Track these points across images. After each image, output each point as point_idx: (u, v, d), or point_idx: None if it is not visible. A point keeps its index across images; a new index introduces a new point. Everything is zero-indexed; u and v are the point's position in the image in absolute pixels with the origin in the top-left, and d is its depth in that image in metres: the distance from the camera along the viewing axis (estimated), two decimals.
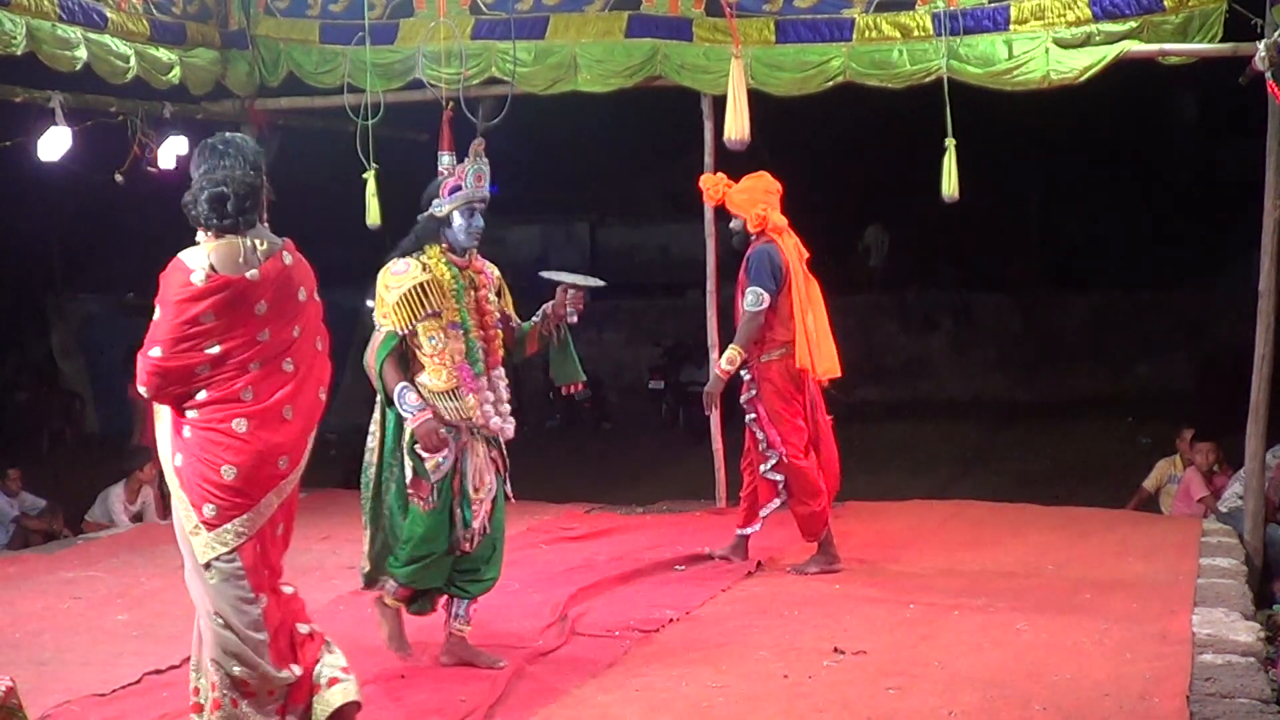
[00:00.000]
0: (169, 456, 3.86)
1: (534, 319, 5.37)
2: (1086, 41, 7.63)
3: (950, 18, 7.81)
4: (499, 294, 5.30)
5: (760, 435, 6.76)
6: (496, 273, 5.34)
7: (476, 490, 5.13)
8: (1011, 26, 7.76)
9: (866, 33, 8.01)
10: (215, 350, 3.76)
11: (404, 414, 5.01)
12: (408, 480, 5.10)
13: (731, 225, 6.97)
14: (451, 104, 8.43)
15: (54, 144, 8.17)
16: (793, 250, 6.78)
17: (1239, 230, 8.94)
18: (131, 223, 16.06)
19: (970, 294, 18.03)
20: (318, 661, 3.98)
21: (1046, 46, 7.67)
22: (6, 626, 5.96)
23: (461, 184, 5.17)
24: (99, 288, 18.32)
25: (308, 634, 3.99)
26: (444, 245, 5.14)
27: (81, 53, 7.66)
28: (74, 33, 7.62)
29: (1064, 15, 7.65)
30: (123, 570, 7.13)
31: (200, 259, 3.81)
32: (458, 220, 5.12)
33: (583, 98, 8.80)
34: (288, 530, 4.02)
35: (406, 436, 5.04)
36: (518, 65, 8.50)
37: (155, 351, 3.77)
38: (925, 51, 7.88)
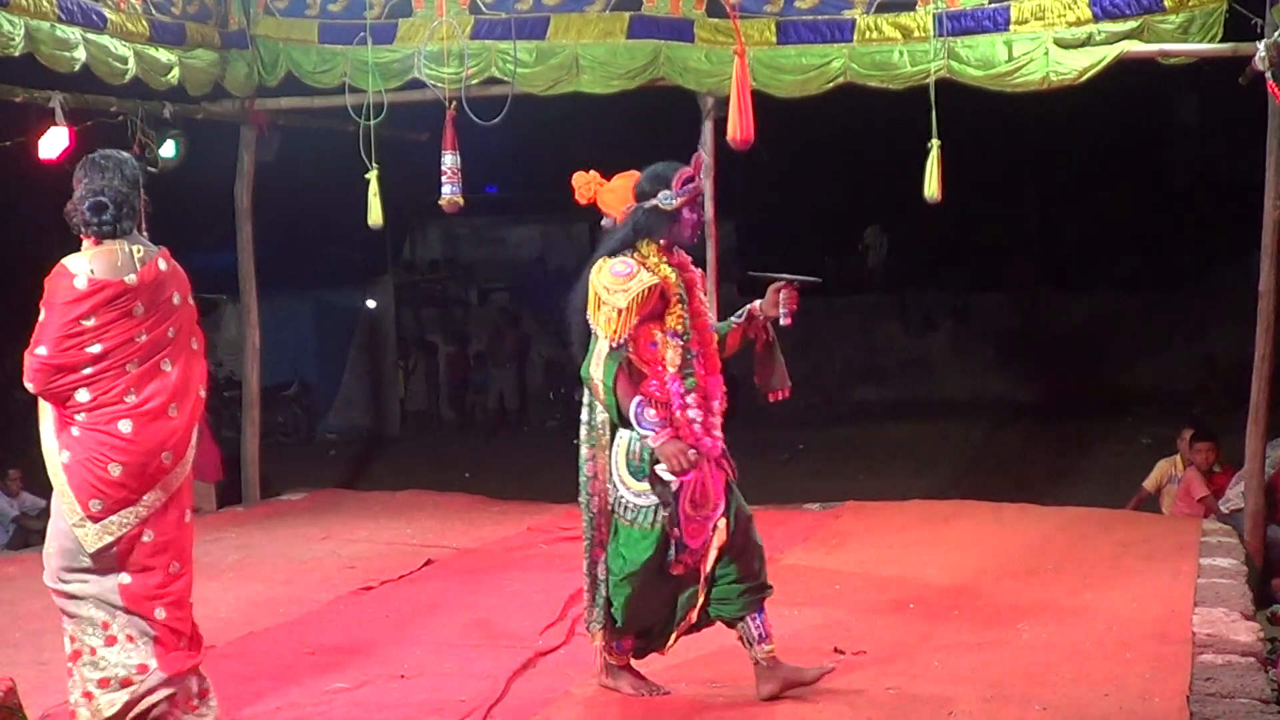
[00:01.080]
0: (54, 453, 4.14)
1: (733, 319, 4.88)
2: (1087, 42, 7.63)
3: (950, 18, 7.82)
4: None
5: None
6: (700, 270, 4.89)
7: (698, 508, 4.59)
8: (1012, 27, 7.76)
9: (867, 33, 8.02)
10: (96, 349, 4.05)
11: (642, 431, 4.47)
12: (623, 504, 4.61)
13: (603, 224, 7.05)
14: (455, 103, 8.42)
15: (54, 144, 8.16)
16: None
17: (1239, 230, 8.94)
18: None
19: (970, 294, 18.03)
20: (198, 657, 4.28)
21: (1046, 48, 7.68)
22: (6, 626, 5.97)
23: (696, 175, 4.71)
24: None
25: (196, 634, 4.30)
26: (661, 242, 4.67)
27: (80, 54, 7.62)
28: (73, 33, 7.58)
29: (1064, 15, 7.65)
30: None
31: (82, 264, 4.10)
32: (686, 215, 4.66)
33: (583, 98, 8.80)
34: (191, 518, 4.30)
35: (624, 459, 4.58)
36: (519, 66, 8.50)
37: (41, 350, 4.06)
38: (926, 53, 7.88)
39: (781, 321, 4.73)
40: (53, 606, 6.27)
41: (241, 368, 10.25)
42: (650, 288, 4.50)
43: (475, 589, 6.57)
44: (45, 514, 9.67)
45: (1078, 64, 7.64)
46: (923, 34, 7.91)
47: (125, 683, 4.09)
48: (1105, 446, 13.57)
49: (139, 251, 4.16)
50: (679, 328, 4.58)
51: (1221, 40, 7.39)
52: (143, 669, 4.11)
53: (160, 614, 4.12)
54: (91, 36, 7.73)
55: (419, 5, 8.79)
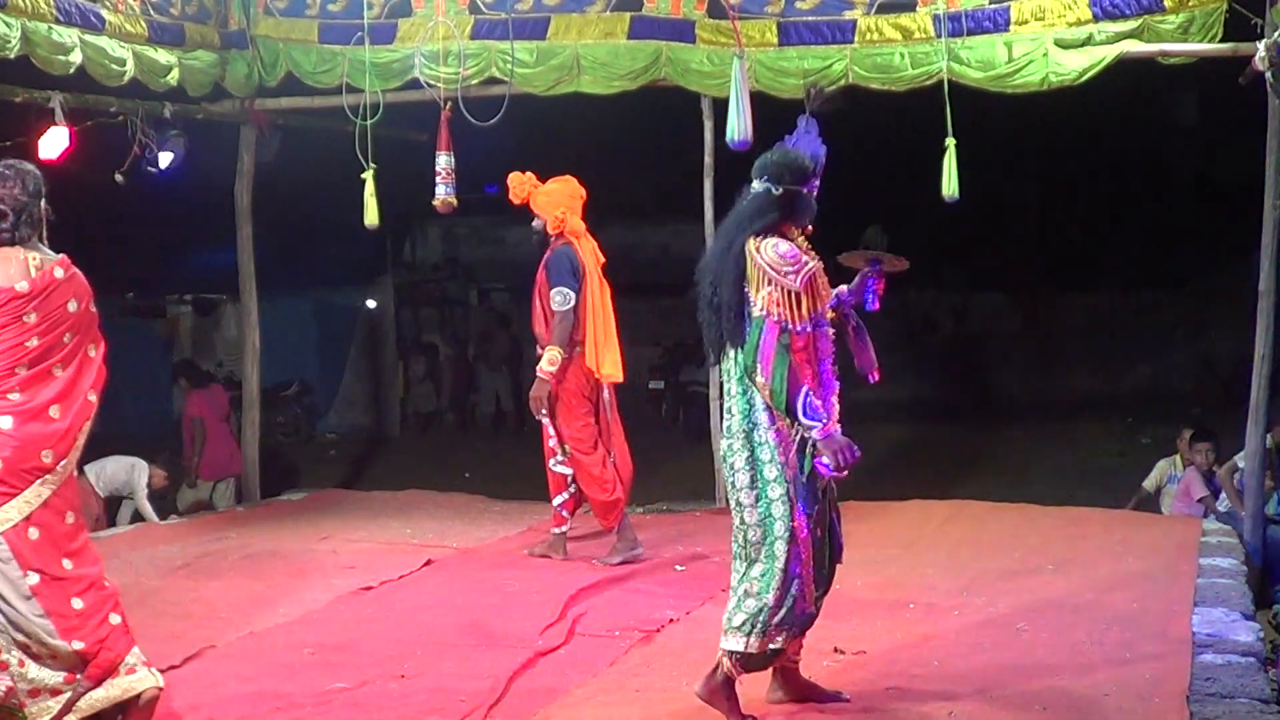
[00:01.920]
0: None
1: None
2: (1087, 42, 7.63)
3: (951, 19, 7.81)
4: None
5: (552, 431, 7.04)
6: None
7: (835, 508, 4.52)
8: (1012, 27, 7.76)
9: (868, 34, 8.01)
10: None
11: (808, 423, 4.26)
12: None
13: (534, 225, 7.20)
14: (450, 104, 8.42)
15: (54, 144, 8.16)
16: (590, 254, 7.11)
17: (1239, 230, 8.94)
18: (131, 223, 16.07)
19: (970, 294, 18.04)
20: (127, 652, 4.20)
21: (1046, 49, 7.67)
22: None
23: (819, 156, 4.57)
24: (98, 288, 18.24)
25: (119, 625, 4.20)
26: (802, 230, 4.50)
27: (75, 57, 7.57)
28: (70, 35, 7.54)
29: (1064, 16, 7.65)
30: (122, 570, 7.11)
31: None
32: (811, 200, 4.53)
33: (583, 98, 8.79)
34: (78, 519, 4.28)
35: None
36: (519, 66, 8.50)
37: None
38: (927, 54, 7.87)
39: (869, 306, 4.61)
40: None
41: (241, 368, 10.26)
42: (819, 272, 4.38)
43: (475, 589, 6.57)
44: None
45: (1078, 65, 7.63)
46: (923, 35, 7.90)
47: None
48: (1105, 446, 13.58)
49: (35, 259, 4.23)
50: (829, 316, 4.47)
51: (1221, 40, 7.39)
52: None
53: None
54: (89, 38, 7.70)
55: (418, 5, 8.78)
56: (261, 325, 9.86)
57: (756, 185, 4.50)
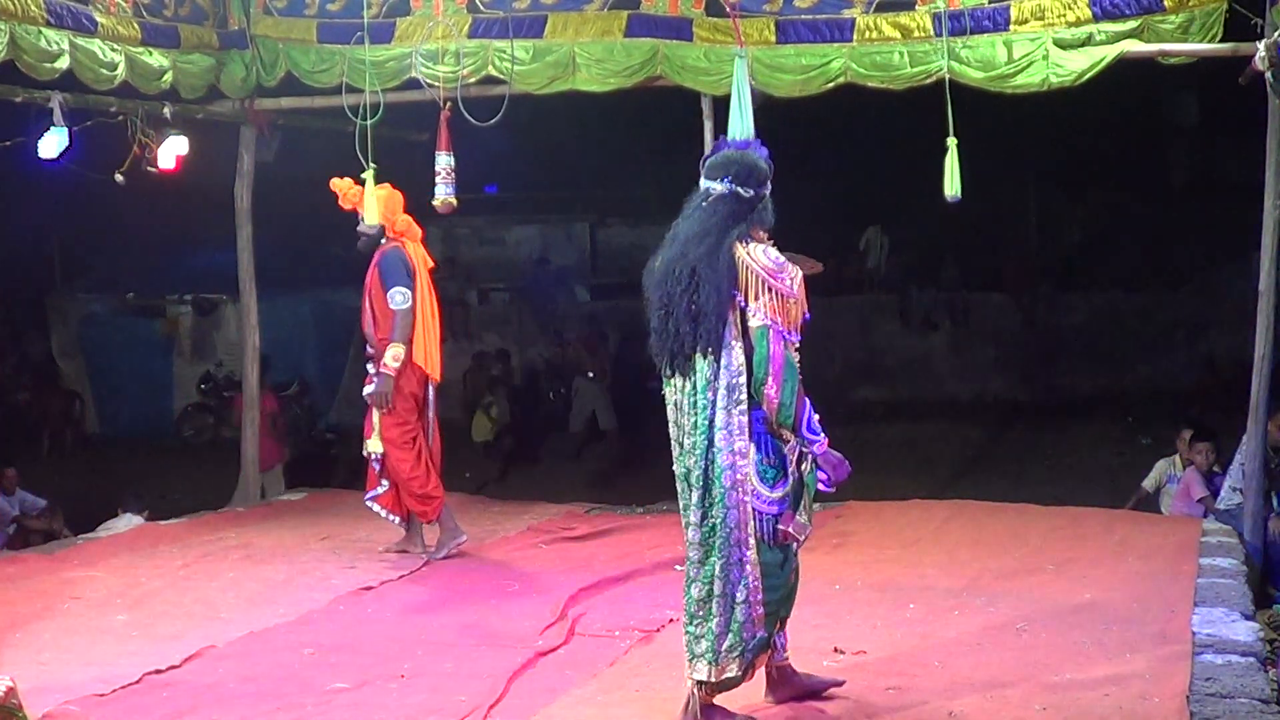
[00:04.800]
0: None
1: None
2: (1087, 42, 7.62)
3: (950, 18, 7.81)
4: None
5: (374, 425, 7.24)
6: None
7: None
8: (1012, 27, 7.75)
9: (867, 33, 8.00)
10: None
11: (810, 437, 4.18)
12: (758, 515, 4.27)
13: (363, 229, 7.37)
14: (449, 104, 8.42)
15: (54, 144, 8.15)
16: (420, 257, 7.34)
17: (1239, 230, 8.94)
18: (131, 223, 16.07)
19: (970, 294, 18.03)
20: None
21: (1046, 49, 7.67)
22: (6, 626, 5.96)
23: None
24: (99, 288, 18.33)
25: None
26: (767, 232, 4.37)
27: (63, 63, 7.49)
28: (60, 38, 7.46)
29: (1064, 15, 7.64)
30: (123, 570, 7.13)
31: None
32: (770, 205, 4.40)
33: (582, 97, 8.79)
34: None
35: (756, 465, 4.24)
36: (516, 64, 8.49)
37: None
38: (926, 53, 7.87)
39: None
40: (53, 607, 6.32)
41: (241, 368, 10.26)
42: (803, 279, 4.25)
43: (475, 589, 6.57)
44: (46, 513, 9.74)
45: (1078, 65, 7.63)
46: (922, 34, 7.90)
47: None
48: (1105, 446, 13.58)
49: None
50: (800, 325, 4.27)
51: (1221, 40, 7.39)
52: None
53: None
54: (80, 41, 7.61)
55: (417, 4, 8.77)
56: (261, 325, 9.86)
57: (717, 187, 4.34)
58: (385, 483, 7.33)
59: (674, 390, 4.34)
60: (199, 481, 11.04)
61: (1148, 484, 9.20)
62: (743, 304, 4.19)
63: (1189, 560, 6.77)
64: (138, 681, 5.10)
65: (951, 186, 7.71)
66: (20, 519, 9.45)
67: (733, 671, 4.32)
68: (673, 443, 4.38)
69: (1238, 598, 6.03)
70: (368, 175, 8.74)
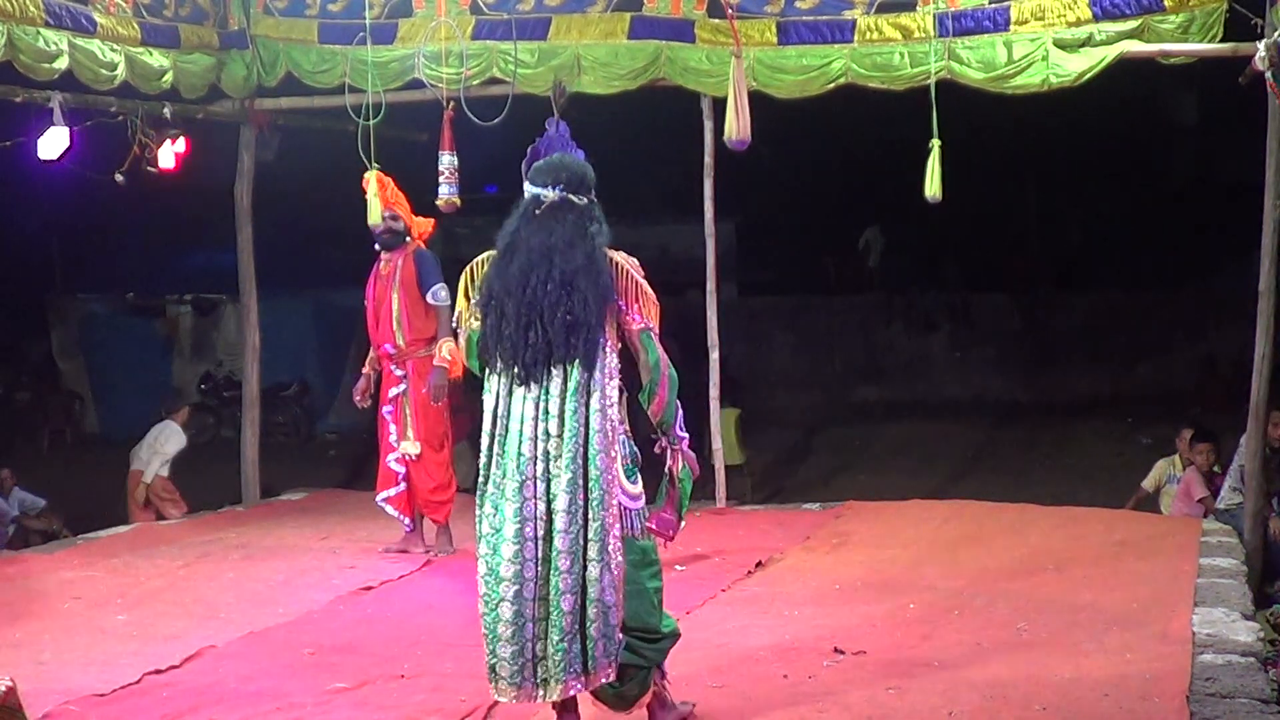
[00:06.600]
0: None
1: None
2: (1087, 42, 7.63)
3: (951, 19, 7.81)
4: None
5: (393, 427, 7.32)
6: None
7: None
8: (1012, 27, 7.76)
9: (868, 34, 8.02)
10: None
11: (682, 435, 4.23)
12: (625, 512, 4.17)
13: (392, 225, 7.39)
14: (453, 104, 8.42)
15: (54, 144, 8.15)
16: None
17: (1239, 230, 8.94)
18: (131, 223, 16.08)
19: (970, 294, 18.05)
20: None
21: (1046, 50, 7.67)
22: (6, 626, 5.96)
23: None
24: (99, 288, 18.33)
25: None
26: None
27: (61, 63, 7.49)
28: (59, 39, 7.45)
29: (1064, 16, 7.65)
30: (123, 570, 7.13)
31: None
32: None
33: (583, 98, 8.79)
34: None
35: (620, 463, 4.17)
36: (520, 66, 8.50)
37: None
38: (926, 54, 7.88)
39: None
40: (52, 607, 6.32)
41: (241, 368, 10.26)
42: None
43: (475, 589, 6.54)
44: (45, 513, 9.73)
45: (1078, 66, 7.64)
46: (923, 34, 7.91)
47: None
48: (1105, 446, 13.58)
49: None
50: None
51: (1221, 40, 7.39)
52: None
53: None
54: (79, 42, 7.61)
55: (419, 5, 8.78)
56: (261, 325, 9.86)
57: (549, 194, 4.21)
58: (403, 484, 7.33)
59: (518, 399, 4.13)
60: (199, 481, 11.03)
61: (1148, 484, 9.20)
62: (622, 308, 4.19)
63: (1189, 560, 6.77)
64: (137, 681, 5.09)
65: (931, 187, 7.75)
66: (20, 519, 9.45)
67: (611, 676, 4.23)
68: (498, 450, 4.18)
69: (1238, 598, 6.02)
70: (370, 175, 8.76)
